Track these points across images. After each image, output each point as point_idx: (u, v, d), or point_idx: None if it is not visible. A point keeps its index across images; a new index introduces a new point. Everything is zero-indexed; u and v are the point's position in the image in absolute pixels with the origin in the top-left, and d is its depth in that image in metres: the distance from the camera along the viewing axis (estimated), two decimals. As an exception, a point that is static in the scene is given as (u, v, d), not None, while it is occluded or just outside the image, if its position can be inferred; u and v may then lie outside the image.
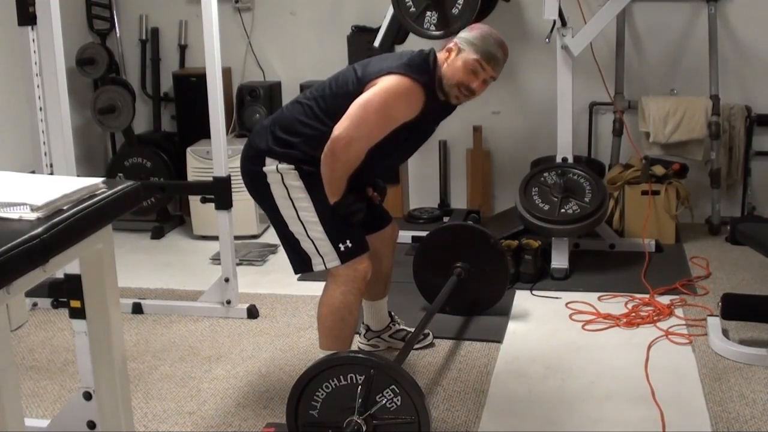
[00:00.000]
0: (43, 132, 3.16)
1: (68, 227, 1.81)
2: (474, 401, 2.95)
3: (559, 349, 3.36)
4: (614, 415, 2.85)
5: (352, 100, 2.67)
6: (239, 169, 2.94)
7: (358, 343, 3.27)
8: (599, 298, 3.82)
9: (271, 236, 4.86)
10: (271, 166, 2.76)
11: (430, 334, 3.39)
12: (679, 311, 3.65)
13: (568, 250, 4.16)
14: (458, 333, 3.49)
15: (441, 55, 2.78)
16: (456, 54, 2.74)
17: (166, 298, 3.96)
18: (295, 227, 2.79)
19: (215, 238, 3.79)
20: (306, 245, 2.79)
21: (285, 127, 2.77)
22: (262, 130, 2.83)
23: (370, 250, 2.84)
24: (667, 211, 4.49)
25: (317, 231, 2.76)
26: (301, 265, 2.86)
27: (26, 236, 1.69)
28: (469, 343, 3.41)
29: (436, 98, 2.77)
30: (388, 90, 2.65)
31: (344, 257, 2.76)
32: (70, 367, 3.26)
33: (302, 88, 4.91)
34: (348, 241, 2.76)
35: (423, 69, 2.71)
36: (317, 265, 2.80)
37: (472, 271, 3.49)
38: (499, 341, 3.42)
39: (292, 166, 2.74)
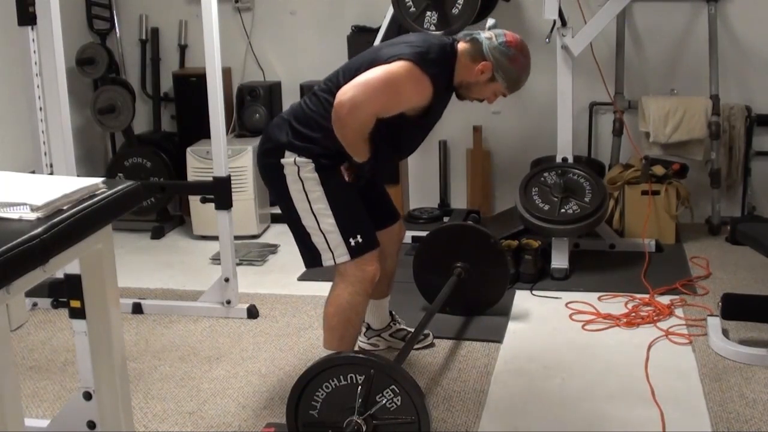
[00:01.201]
0: (43, 132, 3.16)
1: (68, 227, 1.81)
2: (474, 401, 2.95)
3: (559, 349, 3.36)
4: (614, 415, 2.85)
5: None
6: (249, 163, 2.94)
7: (358, 341, 3.26)
8: (599, 298, 3.82)
9: (271, 236, 4.87)
10: (289, 158, 2.75)
11: (430, 334, 3.39)
12: (679, 311, 3.65)
13: (568, 250, 4.16)
14: (458, 333, 3.49)
15: (466, 61, 2.74)
16: (489, 79, 2.75)
17: (166, 298, 3.96)
18: (307, 220, 2.78)
19: (215, 238, 3.79)
20: (317, 239, 2.79)
21: (304, 121, 2.76)
22: (282, 122, 2.81)
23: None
24: (667, 211, 4.49)
25: (329, 224, 2.75)
26: (312, 260, 2.85)
27: (26, 236, 1.69)
28: (469, 343, 3.41)
29: (445, 88, 2.77)
30: (398, 67, 2.62)
31: (354, 252, 2.75)
32: (70, 367, 3.26)
33: (302, 88, 4.92)
34: (359, 236, 2.75)
35: (436, 62, 2.68)
36: (327, 261, 2.79)
37: (472, 271, 3.49)
38: (499, 341, 3.42)
39: (310, 160, 2.74)
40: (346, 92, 2.59)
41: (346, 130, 2.64)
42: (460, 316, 3.60)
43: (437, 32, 3.99)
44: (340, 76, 2.76)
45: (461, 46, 2.77)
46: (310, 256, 2.84)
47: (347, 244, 2.75)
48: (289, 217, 2.85)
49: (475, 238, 3.53)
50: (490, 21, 2.82)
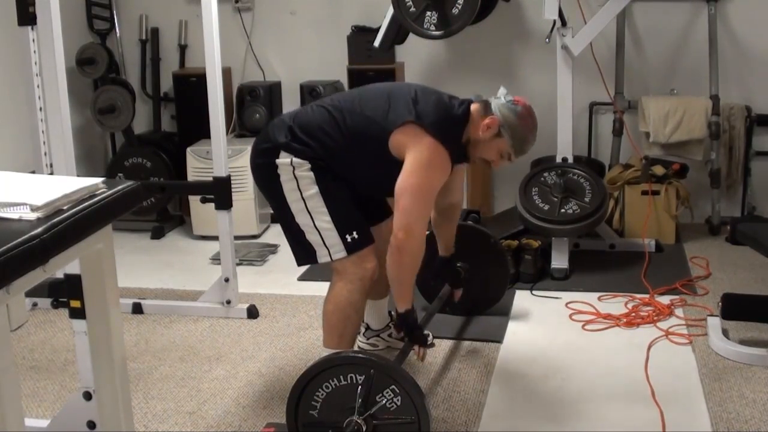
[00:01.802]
0: (43, 132, 3.16)
1: (68, 227, 1.81)
2: (474, 401, 2.96)
3: (559, 349, 3.36)
4: (614, 415, 2.85)
5: (379, 130, 2.72)
6: (248, 163, 2.97)
7: (357, 341, 3.26)
8: (599, 298, 3.82)
9: (271, 236, 4.87)
10: (285, 159, 2.77)
11: (430, 334, 3.38)
12: (679, 311, 3.65)
13: (568, 250, 4.16)
14: (458, 333, 3.49)
15: (476, 118, 2.79)
16: (494, 135, 2.78)
17: (166, 298, 3.96)
18: (302, 218, 2.79)
19: (215, 238, 3.80)
20: (312, 237, 2.79)
21: (306, 129, 2.79)
22: (282, 124, 2.83)
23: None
24: (667, 211, 4.49)
25: (325, 221, 2.76)
26: (305, 257, 2.86)
27: (26, 236, 1.69)
28: (469, 343, 3.41)
29: (459, 154, 2.82)
30: (423, 166, 2.67)
31: (351, 248, 2.76)
32: (70, 367, 3.26)
33: (302, 88, 4.93)
34: (355, 233, 2.76)
35: (452, 131, 2.75)
36: (322, 257, 2.80)
37: (472, 271, 3.49)
38: (499, 341, 3.42)
39: (306, 161, 2.76)
40: (395, 224, 2.67)
41: (405, 257, 2.69)
42: (461, 317, 3.60)
43: (437, 32, 3.99)
44: (356, 102, 2.81)
45: (474, 106, 2.83)
46: (304, 252, 2.85)
47: (344, 240, 2.76)
48: (282, 216, 2.86)
49: (475, 238, 3.53)
50: (502, 90, 2.88)
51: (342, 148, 2.76)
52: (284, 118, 2.89)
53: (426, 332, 3.34)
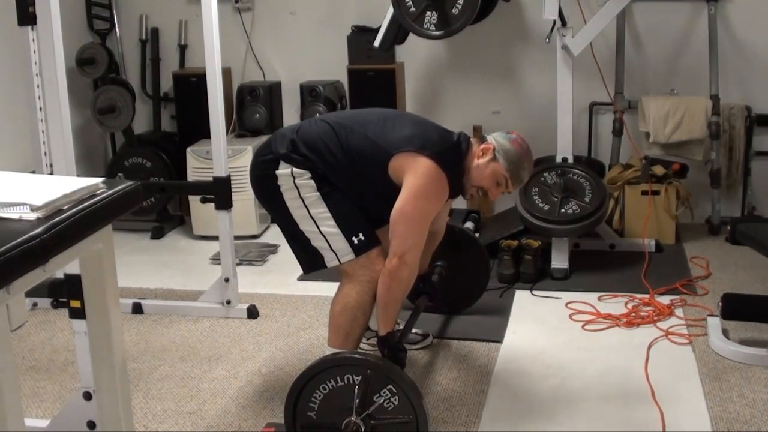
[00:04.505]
0: (43, 132, 3.16)
1: (68, 227, 1.82)
2: (474, 401, 2.96)
3: (559, 349, 3.36)
4: (614, 415, 2.85)
5: (380, 153, 2.74)
6: (248, 173, 2.98)
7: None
8: (599, 298, 3.82)
9: (271, 236, 4.87)
10: (285, 169, 2.79)
11: (430, 334, 3.39)
12: (679, 311, 3.65)
13: (568, 250, 4.16)
14: (458, 333, 3.49)
15: (474, 148, 2.85)
16: (490, 159, 2.81)
17: (166, 298, 3.96)
18: (306, 225, 2.80)
19: (215, 238, 3.80)
20: (318, 243, 2.80)
21: (308, 142, 2.81)
22: (283, 137, 2.86)
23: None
24: (667, 211, 4.48)
25: (329, 226, 2.77)
26: (313, 263, 2.86)
27: (26, 236, 1.69)
28: (469, 343, 3.41)
29: (454, 187, 2.84)
30: (420, 193, 2.69)
31: (358, 250, 2.77)
32: (70, 367, 3.26)
33: (302, 88, 4.93)
34: (361, 234, 2.77)
35: (452, 159, 2.78)
36: (330, 261, 2.81)
37: (452, 268, 3.45)
38: (499, 341, 3.42)
39: (307, 171, 2.78)
40: (390, 253, 2.71)
41: (396, 282, 2.72)
42: (458, 316, 3.60)
43: (437, 32, 3.99)
44: (360, 123, 2.83)
45: (472, 139, 2.89)
46: (311, 259, 2.85)
47: (350, 243, 2.77)
48: (286, 226, 2.88)
49: (448, 234, 3.44)
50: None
51: (342, 165, 2.78)
52: (286, 131, 2.91)
53: (426, 332, 3.35)
